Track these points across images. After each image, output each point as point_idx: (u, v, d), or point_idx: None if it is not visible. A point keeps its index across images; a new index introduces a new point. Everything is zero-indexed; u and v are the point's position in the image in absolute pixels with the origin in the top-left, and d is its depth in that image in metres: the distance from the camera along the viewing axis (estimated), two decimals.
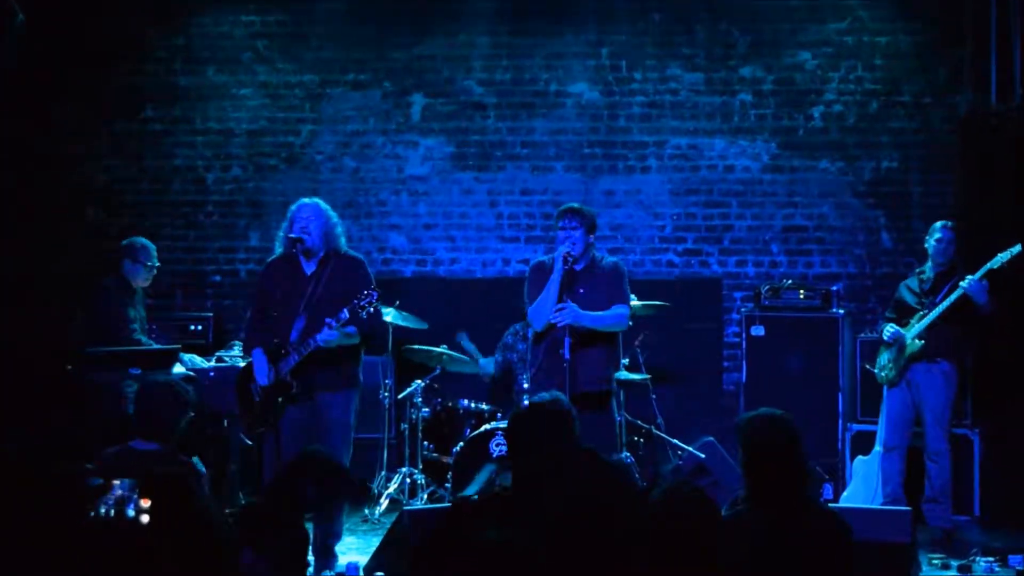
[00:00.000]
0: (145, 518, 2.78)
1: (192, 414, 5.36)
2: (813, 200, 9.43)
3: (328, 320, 6.28)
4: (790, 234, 9.46)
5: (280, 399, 6.43)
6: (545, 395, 5.25)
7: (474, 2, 9.53)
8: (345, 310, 6.29)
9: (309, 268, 6.58)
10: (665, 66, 9.52)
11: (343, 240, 6.68)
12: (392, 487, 8.16)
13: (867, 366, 7.96)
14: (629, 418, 8.25)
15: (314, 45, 9.67)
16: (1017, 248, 7.18)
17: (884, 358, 7.65)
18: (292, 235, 6.50)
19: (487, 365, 8.53)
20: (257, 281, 6.87)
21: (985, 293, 7.26)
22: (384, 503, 8.09)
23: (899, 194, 9.36)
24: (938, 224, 7.64)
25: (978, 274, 7.23)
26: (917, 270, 7.73)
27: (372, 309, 6.35)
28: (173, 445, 5.17)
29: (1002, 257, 7.21)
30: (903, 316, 7.65)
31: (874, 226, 9.38)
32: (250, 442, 7.76)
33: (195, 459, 5.20)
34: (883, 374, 7.64)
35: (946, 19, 9.17)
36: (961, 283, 7.28)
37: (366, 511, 8.05)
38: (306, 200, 6.66)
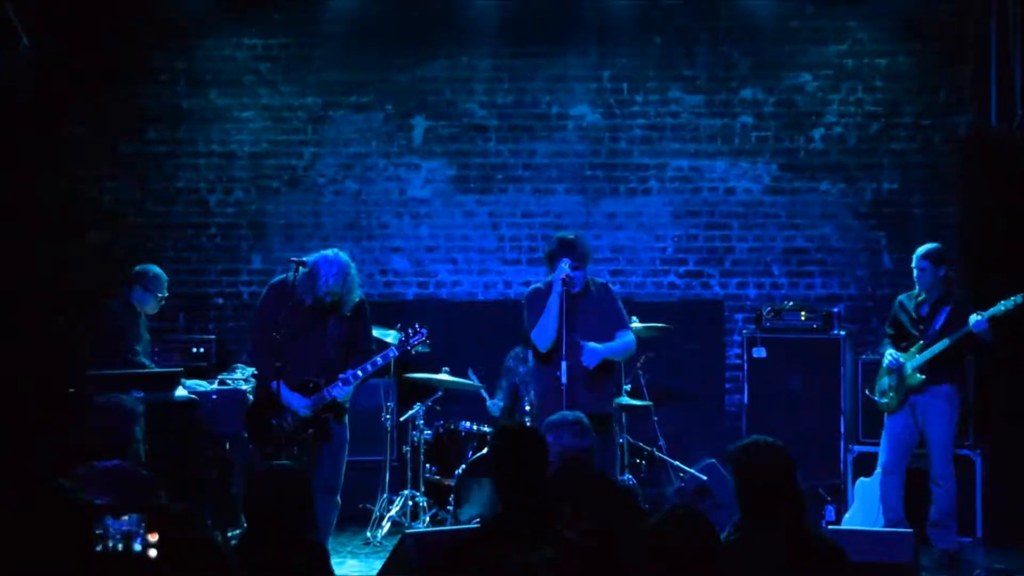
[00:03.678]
0: (153, 552, 2.79)
1: (143, 425, 5.36)
2: (814, 222, 9.45)
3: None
4: (791, 256, 9.47)
5: (311, 430, 6.57)
6: (568, 415, 5.35)
7: (476, 25, 9.55)
8: (393, 348, 6.73)
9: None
10: (666, 88, 9.55)
11: (357, 293, 6.73)
12: (394, 510, 8.15)
13: (867, 392, 7.94)
14: (631, 440, 8.25)
15: (316, 68, 9.70)
16: (1020, 297, 7.15)
17: (884, 383, 7.63)
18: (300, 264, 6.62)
19: (493, 407, 8.54)
20: (263, 304, 6.77)
21: (990, 333, 7.26)
22: (386, 526, 8.09)
23: (900, 215, 9.38)
24: (919, 251, 7.57)
25: (984, 316, 7.19)
26: (915, 291, 7.70)
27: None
28: (134, 459, 5.16)
29: (1006, 304, 7.17)
30: (900, 335, 7.63)
31: (875, 247, 9.39)
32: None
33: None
34: (884, 400, 7.62)
35: (946, 40, 9.20)
36: (970, 321, 7.23)
37: (368, 534, 8.06)
38: (339, 260, 6.61)
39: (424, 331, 6.85)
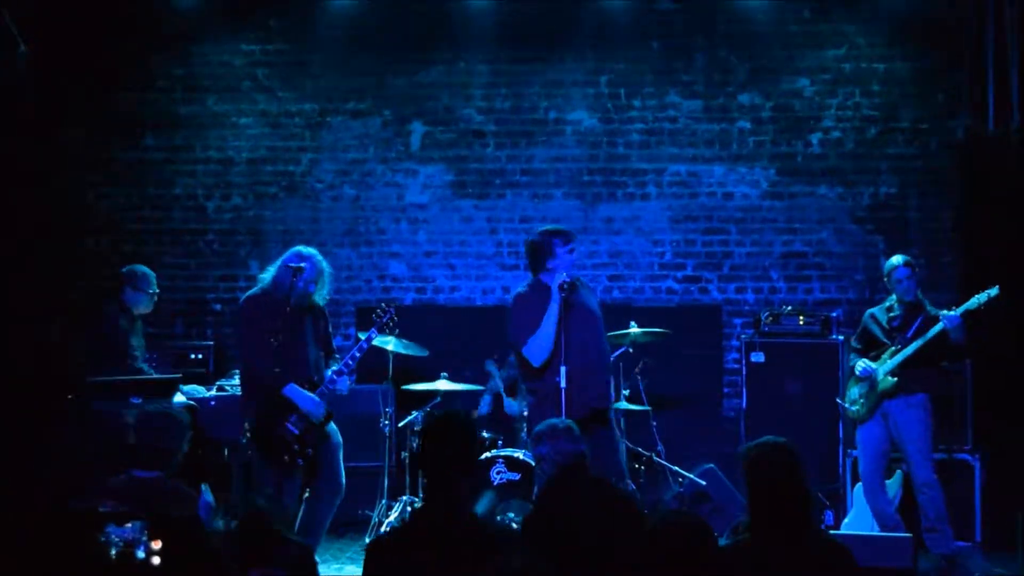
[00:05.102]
0: (156, 559, 2.78)
1: (189, 438, 5.36)
2: (812, 226, 9.46)
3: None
4: (789, 260, 9.48)
5: (312, 431, 6.66)
6: (558, 422, 5.33)
7: (473, 30, 9.55)
8: (374, 329, 6.88)
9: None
10: (664, 93, 9.56)
11: (331, 286, 6.96)
12: (393, 516, 8.14)
13: (838, 400, 7.94)
14: (630, 445, 8.23)
15: (314, 74, 9.70)
16: (995, 290, 7.15)
17: (854, 392, 7.61)
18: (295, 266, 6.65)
19: (511, 407, 8.54)
20: (252, 315, 6.72)
21: (963, 330, 7.24)
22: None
23: (898, 219, 9.39)
24: (896, 262, 7.53)
25: (958, 311, 7.20)
26: (886, 304, 7.68)
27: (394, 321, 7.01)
28: (173, 472, 5.17)
29: (979, 299, 7.16)
30: (870, 348, 7.62)
31: (873, 251, 9.39)
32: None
33: (204, 487, 5.19)
34: (854, 408, 7.60)
35: (943, 45, 9.21)
36: (941, 317, 7.24)
37: (367, 540, 8.04)
38: (308, 252, 6.77)
39: (392, 309, 7.03)
